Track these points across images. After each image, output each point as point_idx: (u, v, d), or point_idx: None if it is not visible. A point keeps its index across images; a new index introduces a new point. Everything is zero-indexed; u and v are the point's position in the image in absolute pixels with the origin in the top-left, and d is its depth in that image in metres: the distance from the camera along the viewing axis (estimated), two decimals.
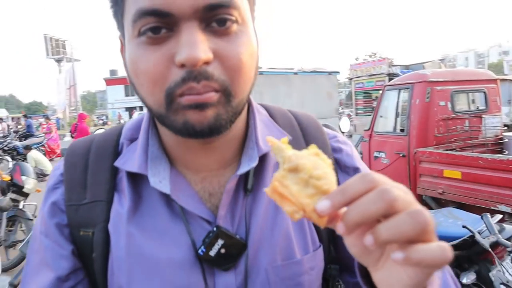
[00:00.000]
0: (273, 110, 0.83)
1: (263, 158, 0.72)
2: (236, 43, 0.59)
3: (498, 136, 5.41)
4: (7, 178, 5.29)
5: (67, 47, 38.49)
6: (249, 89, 0.64)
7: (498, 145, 5.34)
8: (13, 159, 6.19)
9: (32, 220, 5.04)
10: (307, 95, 9.90)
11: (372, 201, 0.42)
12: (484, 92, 5.39)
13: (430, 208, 4.47)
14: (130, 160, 0.70)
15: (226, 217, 0.69)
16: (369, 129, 5.81)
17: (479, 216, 2.80)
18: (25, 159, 6.27)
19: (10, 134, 15.34)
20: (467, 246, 2.67)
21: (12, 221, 5.29)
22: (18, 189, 5.28)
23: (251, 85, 0.64)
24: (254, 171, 0.71)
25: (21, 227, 5.48)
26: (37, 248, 0.73)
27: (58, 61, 40.12)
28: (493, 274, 2.18)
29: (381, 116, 5.68)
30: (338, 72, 10.77)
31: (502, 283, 2.10)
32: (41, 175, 7.31)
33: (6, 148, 7.09)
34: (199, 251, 0.66)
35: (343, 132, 3.67)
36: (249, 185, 0.70)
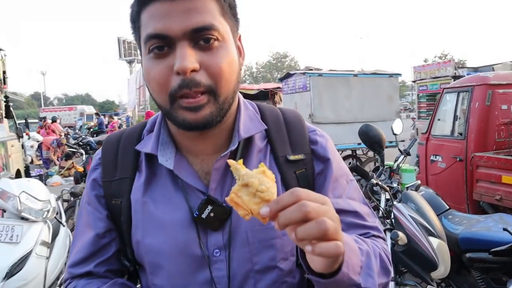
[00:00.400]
0: (263, 108, 1.02)
1: (248, 144, 0.93)
2: (217, 55, 0.80)
3: None
4: (80, 169, 5.84)
5: (138, 49, 40.62)
6: (232, 89, 0.85)
7: None
8: (86, 153, 6.75)
9: None
10: (367, 97, 9.78)
11: (294, 211, 0.61)
12: None
13: (486, 213, 4.33)
14: (146, 145, 0.93)
15: (217, 190, 0.90)
16: (426, 132, 5.71)
17: None
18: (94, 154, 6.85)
19: (83, 130, 16.55)
20: None
21: None
22: None
23: (233, 86, 0.85)
24: (241, 154, 0.91)
25: None
26: (83, 214, 1.00)
27: (130, 62, 42.27)
28: None
29: (439, 119, 5.56)
30: (399, 74, 10.51)
31: None
32: None
33: (81, 143, 7.74)
34: (194, 213, 0.87)
35: (395, 134, 3.67)
36: None
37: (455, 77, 10.74)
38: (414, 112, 16.36)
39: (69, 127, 16.96)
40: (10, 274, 2.52)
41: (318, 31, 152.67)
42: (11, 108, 7.04)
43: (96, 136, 14.07)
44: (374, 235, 0.95)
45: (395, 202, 2.62)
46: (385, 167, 3.32)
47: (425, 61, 42.70)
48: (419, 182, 3.18)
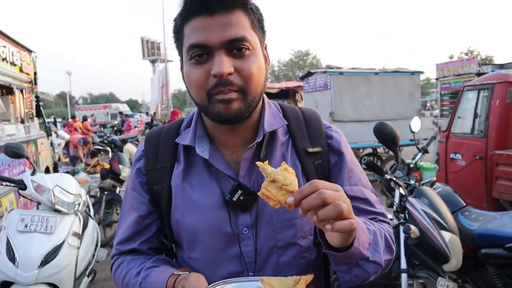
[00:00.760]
0: (284, 106, 1.17)
1: (272, 138, 1.07)
2: (248, 61, 0.95)
3: None
4: (107, 166, 6.05)
5: (161, 48, 41.02)
6: (260, 90, 1.00)
7: None
8: (112, 151, 6.98)
9: None
10: (388, 95, 9.75)
11: (314, 198, 0.75)
12: None
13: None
14: (185, 138, 1.08)
15: (245, 177, 1.05)
16: (446, 130, 5.71)
17: None
18: (121, 151, 7.04)
19: (108, 128, 16.94)
20: None
21: (110, 204, 6.02)
22: (116, 176, 6.00)
23: (261, 87, 1.00)
24: (266, 146, 1.05)
25: (116, 210, 6.20)
26: (127, 199, 1.16)
27: (153, 61, 42.81)
28: None
29: (459, 117, 5.56)
30: (422, 72, 10.42)
31: None
32: None
33: (106, 142, 7.99)
34: (226, 197, 1.02)
35: (413, 132, 3.72)
36: (261, 155, 1.04)
37: (479, 74, 10.58)
38: (436, 110, 16.13)
39: (102, 125, 17.37)
40: (45, 262, 2.68)
41: (340, 28, 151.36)
42: (41, 108, 7.32)
43: (120, 134, 14.44)
44: (380, 220, 1.11)
45: (409, 197, 2.69)
46: (404, 164, 3.38)
47: (451, 57, 41.89)
48: (434, 178, 3.23)
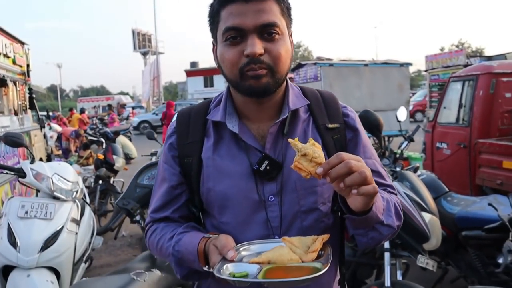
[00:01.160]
0: (304, 88, 1.29)
1: (295, 116, 1.19)
2: (277, 45, 1.07)
3: None
4: (101, 156, 6.14)
5: (152, 40, 40.72)
6: (286, 69, 1.11)
7: None
8: (105, 142, 7.07)
9: (120, 193, 5.80)
10: (377, 86, 9.92)
11: (342, 168, 0.88)
12: None
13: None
14: (215, 115, 1.20)
15: (271, 149, 1.16)
16: (432, 120, 5.87)
17: None
18: (114, 143, 7.13)
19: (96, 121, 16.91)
20: (506, 228, 2.81)
21: (104, 194, 6.12)
22: (110, 166, 6.10)
23: (287, 67, 1.12)
24: (289, 123, 1.17)
25: (110, 200, 6.30)
26: (160, 171, 1.28)
27: (144, 54, 42.52)
28: (506, 243, 2.38)
29: (444, 108, 5.72)
30: (410, 64, 10.61)
31: (509, 250, 2.30)
32: (126, 158, 8.18)
33: (98, 134, 8.06)
34: (254, 167, 1.14)
35: (399, 121, 3.88)
36: (285, 131, 1.16)
37: (467, 66, 10.78)
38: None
39: (101, 119, 17.29)
40: (45, 246, 2.77)
41: (332, 20, 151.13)
42: (34, 100, 7.36)
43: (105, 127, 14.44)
44: (390, 191, 1.23)
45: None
46: (390, 153, 3.52)
47: (442, 49, 42.12)
48: (417, 164, 3.39)
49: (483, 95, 4.98)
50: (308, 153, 0.93)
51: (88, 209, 3.72)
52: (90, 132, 9.35)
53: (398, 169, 3.31)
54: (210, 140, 1.19)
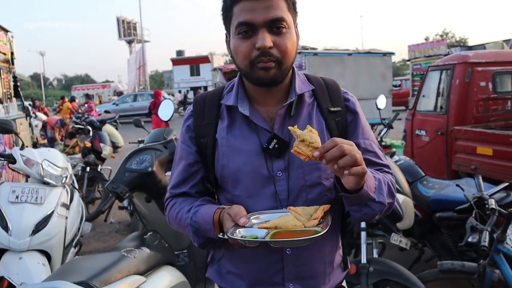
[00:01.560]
0: (309, 76, 1.41)
1: (300, 100, 1.31)
2: (284, 38, 1.18)
3: None
4: (88, 144, 6.20)
5: (137, 28, 40.18)
6: (292, 60, 1.23)
7: None
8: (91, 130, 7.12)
9: (108, 181, 5.87)
10: (361, 75, 10.09)
11: (335, 151, 1.00)
12: None
13: None
14: (228, 100, 1.32)
15: (279, 129, 1.28)
16: (412, 108, 6.05)
17: (493, 186, 3.10)
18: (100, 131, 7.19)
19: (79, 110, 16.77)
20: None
21: (92, 181, 6.20)
22: (97, 154, 6.17)
23: (293, 58, 1.24)
24: (295, 106, 1.29)
25: (98, 187, 6.38)
26: (178, 151, 1.40)
27: (129, 42, 41.94)
28: (468, 220, 2.56)
29: (423, 96, 5.89)
30: (393, 53, 10.79)
31: (472, 227, 2.48)
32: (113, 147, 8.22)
33: (84, 123, 8.08)
34: (263, 145, 1.26)
35: (379, 109, 4.06)
36: (292, 113, 1.28)
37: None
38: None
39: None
40: (36, 230, 2.84)
41: (318, 10, 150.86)
42: (19, 88, 7.33)
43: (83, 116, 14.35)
44: (385, 171, 1.34)
45: None
46: None
47: (426, 39, 42.55)
48: (394, 150, 3.56)
49: (459, 84, 5.15)
50: (306, 139, 1.05)
51: (77, 195, 3.79)
52: (77, 120, 9.33)
53: None
54: (224, 122, 1.31)
